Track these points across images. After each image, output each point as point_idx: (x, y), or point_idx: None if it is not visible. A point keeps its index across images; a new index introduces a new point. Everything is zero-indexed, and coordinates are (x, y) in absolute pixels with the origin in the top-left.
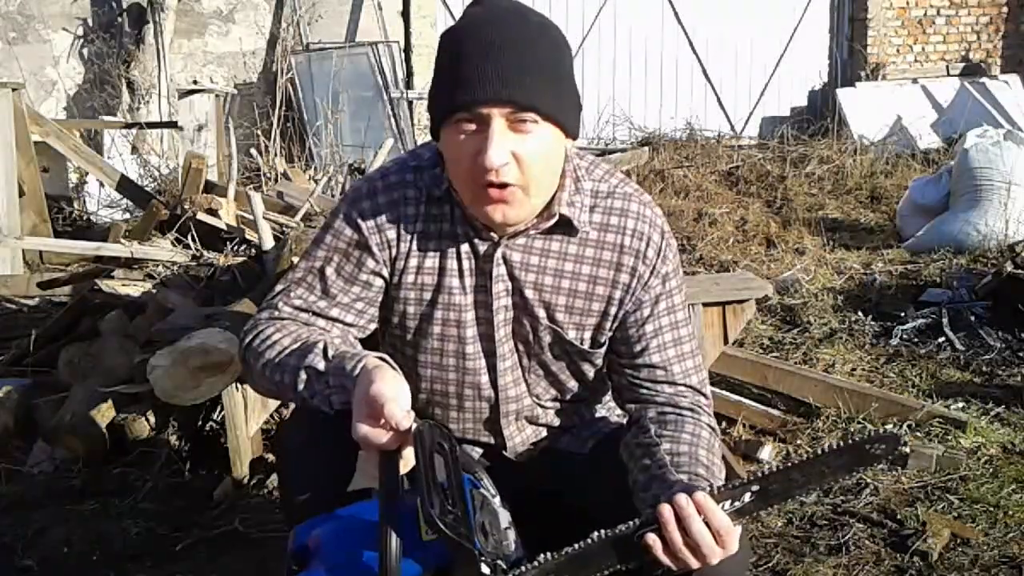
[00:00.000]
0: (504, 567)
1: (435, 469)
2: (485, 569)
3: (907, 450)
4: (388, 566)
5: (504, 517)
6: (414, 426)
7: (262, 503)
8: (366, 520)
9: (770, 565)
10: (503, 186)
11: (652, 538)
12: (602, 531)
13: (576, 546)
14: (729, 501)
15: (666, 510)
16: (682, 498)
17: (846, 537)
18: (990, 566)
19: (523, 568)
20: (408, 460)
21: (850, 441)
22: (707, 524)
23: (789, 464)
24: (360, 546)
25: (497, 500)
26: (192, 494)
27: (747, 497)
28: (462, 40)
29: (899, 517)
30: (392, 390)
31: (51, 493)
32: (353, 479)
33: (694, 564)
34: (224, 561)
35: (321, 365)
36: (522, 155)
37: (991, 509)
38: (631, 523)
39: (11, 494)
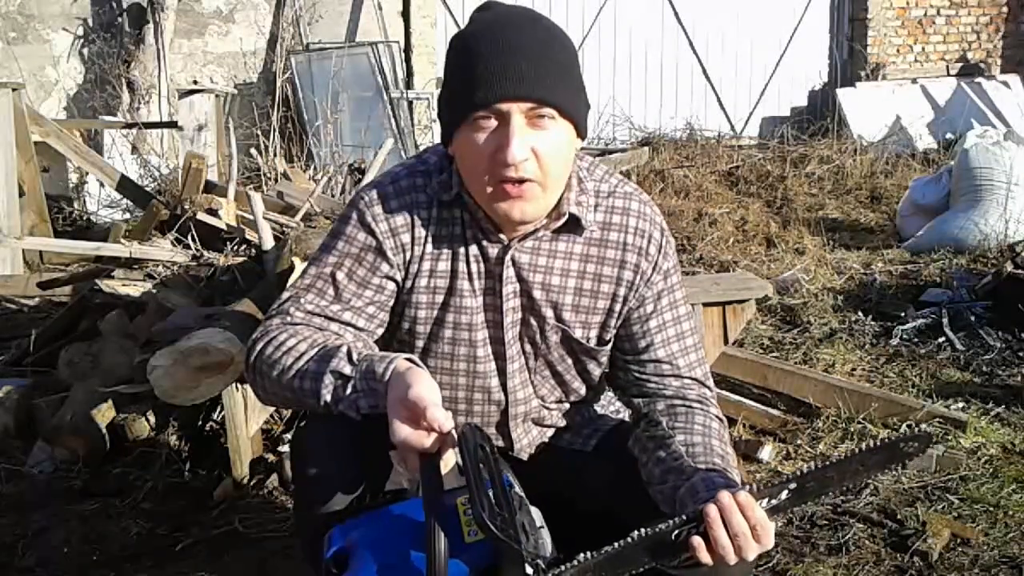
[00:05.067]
0: (543, 567)
1: (480, 471)
2: (528, 569)
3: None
4: (437, 567)
5: (538, 516)
6: (455, 429)
7: (262, 503)
8: (407, 521)
9: (770, 565)
10: (521, 182)
11: (697, 540)
12: (641, 530)
13: (615, 545)
14: (767, 499)
15: (712, 510)
16: (725, 496)
17: (846, 537)
18: (990, 566)
19: (562, 568)
20: (447, 461)
21: (885, 440)
22: (747, 518)
23: (826, 463)
24: (404, 547)
25: (527, 499)
26: (192, 494)
27: (784, 495)
28: (475, 43)
29: (899, 517)
30: (431, 393)
31: (51, 493)
32: (388, 480)
33: (733, 560)
34: (224, 561)
35: (347, 369)
36: (540, 151)
37: (991, 509)
38: (670, 522)
39: (11, 494)
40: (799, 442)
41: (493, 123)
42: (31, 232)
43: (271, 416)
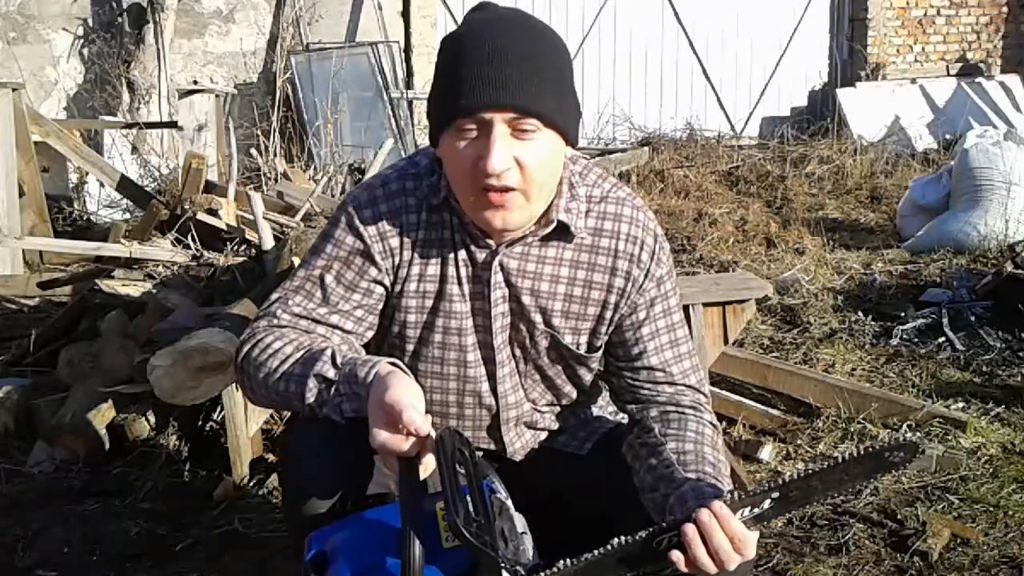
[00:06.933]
0: (522, 573)
1: (457, 476)
2: (505, 575)
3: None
4: (411, 573)
5: (520, 522)
6: (433, 433)
7: (262, 503)
8: (385, 526)
9: (770, 565)
10: (504, 190)
11: (676, 555)
12: (621, 538)
13: (594, 552)
14: (749, 508)
15: (690, 529)
16: (704, 513)
17: (846, 537)
18: (990, 566)
19: (542, 574)
20: (427, 465)
21: (870, 449)
22: (725, 532)
23: (809, 471)
24: (381, 552)
25: (511, 504)
26: (192, 494)
27: (767, 504)
28: (464, 45)
29: (899, 517)
30: (409, 396)
31: (51, 493)
32: (370, 486)
33: (713, 571)
34: (224, 561)
35: (331, 373)
36: (524, 161)
37: (991, 509)
38: (649, 530)
39: (11, 494)
40: (799, 442)
41: (475, 131)
42: (31, 232)
43: (271, 416)
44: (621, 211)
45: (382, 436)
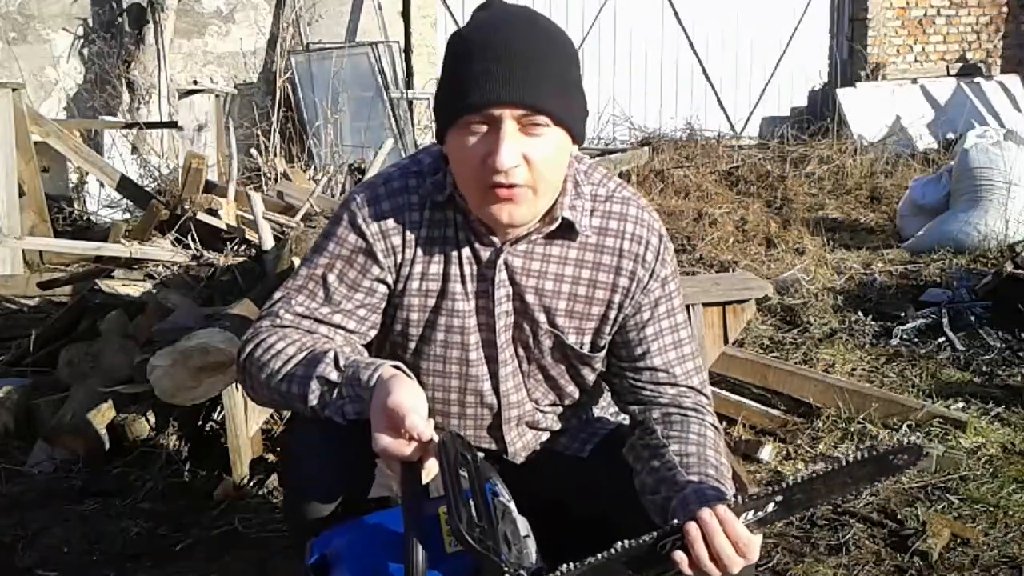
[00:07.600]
0: None
1: (460, 481)
2: None
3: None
4: None
5: (523, 526)
6: (436, 437)
7: (262, 503)
8: (388, 530)
9: (770, 565)
10: (512, 186)
11: (679, 555)
12: (625, 541)
13: (598, 556)
14: (752, 511)
15: (693, 528)
16: (706, 513)
17: (846, 537)
18: (990, 566)
19: None
20: (429, 470)
21: (873, 452)
22: (728, 536)
23: (813, 475)
24: (384, 557)
25: (514, 507)
26: (192, 494)
27: (770, 507)
28: (471, 44)
29: (899, 517)
30: (411, 400)
31: (51, 493)
32: (372, 488)
33: (716, 575)
34: (224, 561)
35: (333, 375)
36: (532, 158)
37: (991, 509)
38: (652, 534)
39: (11, 494)
40: (799, 442)
41: (484, 127)
42: (31, 232)
43: (271, 416)
44: (626, 211)
45: (384, 441)
